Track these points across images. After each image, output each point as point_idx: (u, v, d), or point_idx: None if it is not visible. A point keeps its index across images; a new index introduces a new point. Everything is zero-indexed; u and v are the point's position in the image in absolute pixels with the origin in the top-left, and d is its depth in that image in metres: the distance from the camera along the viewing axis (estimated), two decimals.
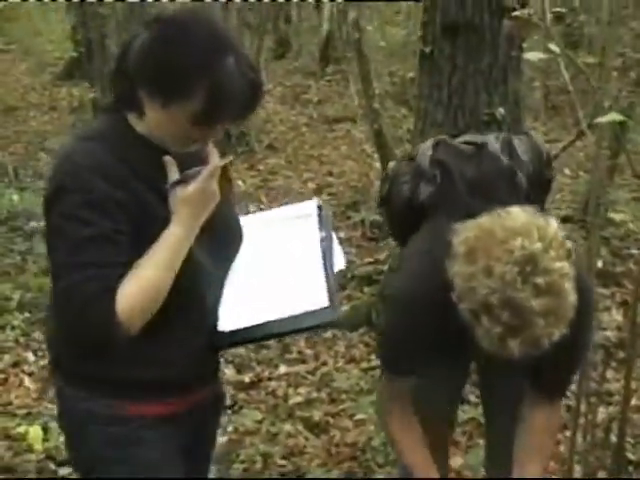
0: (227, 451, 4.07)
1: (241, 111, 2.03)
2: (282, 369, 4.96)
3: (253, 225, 2.37)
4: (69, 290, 1.98)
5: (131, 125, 2.07)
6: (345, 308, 5.53)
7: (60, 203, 1.97)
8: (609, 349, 4.66)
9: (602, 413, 3.91)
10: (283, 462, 4.01)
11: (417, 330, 2.20)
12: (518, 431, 2.45)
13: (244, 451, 4.07)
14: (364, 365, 4.88)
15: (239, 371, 4.97)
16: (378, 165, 7.01)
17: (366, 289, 5.66)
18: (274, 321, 2.06)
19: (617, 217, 5.69)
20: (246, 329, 2.10)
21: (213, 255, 2.16)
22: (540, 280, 1.87)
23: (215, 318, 2.16)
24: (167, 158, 2.04)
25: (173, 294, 2.03)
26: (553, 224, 1.98)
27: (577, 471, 3.43)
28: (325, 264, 2.13)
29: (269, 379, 4.87)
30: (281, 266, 2.22)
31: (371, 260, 6.15)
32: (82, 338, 2.04)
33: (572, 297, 1.93)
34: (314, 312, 2.02)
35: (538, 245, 1.90)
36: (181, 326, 2.11)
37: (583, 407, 3.24)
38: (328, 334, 5.37)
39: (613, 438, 3.36)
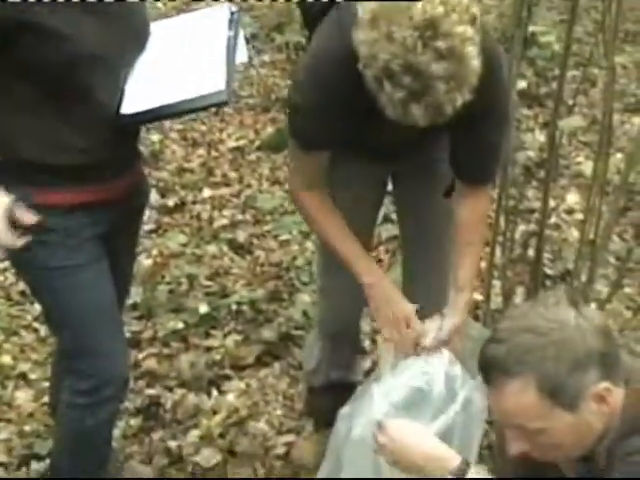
0: (152, 273, 4.09)
1: None
2: (206, 192, 4.93)
3: (165, 25, 2.44)
4: None
5: None
6: (270, 130, 5.51)
7: None
8: (530, 169, 4.73)
9: (521, 231, 4.01)
10: (208, 283, 4.05)
11: (329, 95, 2.15)
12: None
13: (169, 273, 4.10)
14: (288, 186, 4.88)
15: (163, 195, 4.93)
16: None
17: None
18: (172, 103, 2.19)
19: (542, 37, 5.65)
20: (147, 111, 2.21)
21: (111, 45, 2.21)
22: (441, 44, 1.84)
23: (113, 104, 2.23)
24: None
25: (63, 78, 2.14)
26: None
27: (496, 286, 3.52)
28: (228, 55, 2.21)
29: (193, 202, 4.85)
30: (186, 56, 2.30)
31: None
32: None
33: (475, 62, 1.90)
34: (209, 95, 2.15)
35: (439, 9, 1.86)
36: (77, 112, 2.21)
37: (502, 224, 3.29)
38: (252, 157, 5.34)
39: (531, 254, 3.43)
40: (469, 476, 1.80)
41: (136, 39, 2.33)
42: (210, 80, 2.15)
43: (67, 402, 2.51)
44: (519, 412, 1.67)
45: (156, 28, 2.40)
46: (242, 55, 2.31)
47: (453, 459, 1.83)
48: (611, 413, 1.67)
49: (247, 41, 2.39)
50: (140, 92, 2.24)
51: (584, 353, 1.63)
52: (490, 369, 1.69)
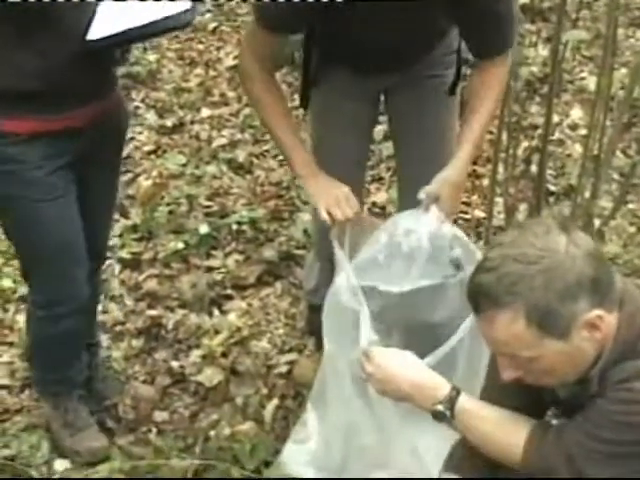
0: (151, 194, 4.06)
1: None
2: (205, 112, 4.89)
3: None
4: None
5: None
6: None
7: None
8: (534, 84, 4.66)
9: (524, 147, 3.96)
10: (208, 203, 4.02)
11: None
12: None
13: (169, 194, 4.07)
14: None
15: (161, 116, 4.90)
16: None
17: None
18: (138, 26, 2.16)
19: None
20: (112, 35, 2.18)
21: None
22: None
23: (80, 29, 2.18)
24: None
25: (26, 4, 2.10)
26: None
27: (498, 203, 3.49)
28: None
29: (192, 123, 4.81)
30: None
31: None
32: None
33: None
34: (175, 15, 2.14)
35: None
36: (41, 37, 2.17)
37: (505, 140, 3.25)
38: None
39: (534, 170, 3.39)
40: (459, 404, 1.79)
41: None
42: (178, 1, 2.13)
43: (29, 311, 2.65)
44: (510, 341, 1.63)
45: None
46: None
47: (442, 387, 1.81)
48: (604, 339, 1.63)
49: None
50: (109, 16, 2.19)
51: (575, 281, 1.58)
52: (479, 299, 1.65)
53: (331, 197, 2.29)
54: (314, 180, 2.35)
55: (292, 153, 2.36)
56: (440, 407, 1.79)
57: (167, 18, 2.13)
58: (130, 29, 2.15)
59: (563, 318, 1.59)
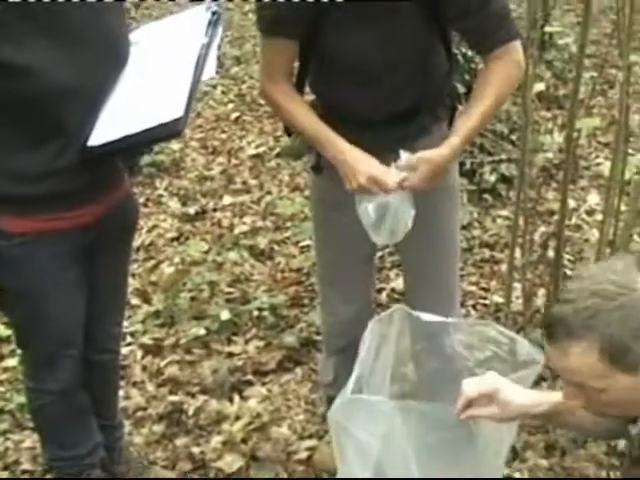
0: (174, 281, 4.12)
1: None
2: (227, 200, 4.98)
3: (144, 35, 2.41)
4: None
5: None
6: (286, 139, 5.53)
7: None
8: (550, 170, 4.73)
9: (541, 232, 4.01)
10: (230, 289, 4.07)
11: None
12: None
13: (191, 280, 4.12)
14: (308, 192, 4.88)
15: (184, 204, 4.99)
16: None
17: None
18: (131, 135, 2.15)
19: (560, 39, 5.64)
20: (107, 144, 2.18)
21: (85, 74, 2.19)
22: None
23: (85, 133, 2.21)
24: None
25: (36, 113, 2.14)
26: None
27: (516, 288, 3.52)
28: (195, 72, 2.17)
29: (214, 210, 4.90)
30: (156, 75, 2.27)
31: None
32: None
33: None
34: (167, 124, 2.10)
35: None
36: (45, 144, 2.21)
37: (522, 225, 3.29)
38: (272, 164, 5.37)
39: (551, 255, 3.42)
40: None
41: (113, 61, 2.29)
42: (171, 105, 2.12)
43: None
44: (581, 371, 1.67)
45: (135, 39, 2.38)
46: (210, 70, 2.26)
47: None
48: None
49: (219, 48, 2.37)
50: (108, 120, 2.22)
51: None
52: (555, 328, 1.70)
53: (368, 174, 2.29)
54: (349, 155, 2.32)
55: (323, 139, 2.36)
56: None
57: (161, 125, 2.11)
58: (127, 136, 2.15)
59: (635, 355, 1.62)
